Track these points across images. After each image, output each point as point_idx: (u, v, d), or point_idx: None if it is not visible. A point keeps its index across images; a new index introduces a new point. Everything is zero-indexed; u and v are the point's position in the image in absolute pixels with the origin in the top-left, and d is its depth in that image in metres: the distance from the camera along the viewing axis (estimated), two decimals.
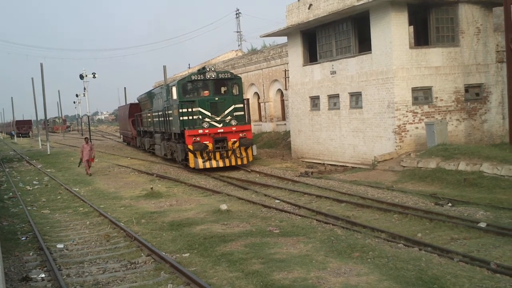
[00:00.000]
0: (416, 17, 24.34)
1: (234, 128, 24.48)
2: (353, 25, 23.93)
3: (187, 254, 10.62)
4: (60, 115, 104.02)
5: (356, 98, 24.13)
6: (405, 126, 21.64)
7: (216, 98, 24.71)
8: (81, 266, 10.37)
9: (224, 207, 14.96)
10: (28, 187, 23.20)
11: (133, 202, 17.89)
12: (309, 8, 26.60)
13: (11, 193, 21.30)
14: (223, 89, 25.68)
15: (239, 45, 74.11)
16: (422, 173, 18.46)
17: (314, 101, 27.31)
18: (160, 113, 29.71)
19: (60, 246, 12.00)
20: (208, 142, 24.02)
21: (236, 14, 76.51)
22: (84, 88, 52.96)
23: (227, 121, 24.56)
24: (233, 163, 24.62)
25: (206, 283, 8.41)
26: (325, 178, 20.50)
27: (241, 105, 25.42)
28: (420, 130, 21.69)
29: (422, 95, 22.13)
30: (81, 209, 17.07)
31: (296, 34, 28.10)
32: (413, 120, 21.78)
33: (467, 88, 22.87)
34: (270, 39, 58.03)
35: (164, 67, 46.21)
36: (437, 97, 22.16)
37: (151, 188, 19.68)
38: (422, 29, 24.30)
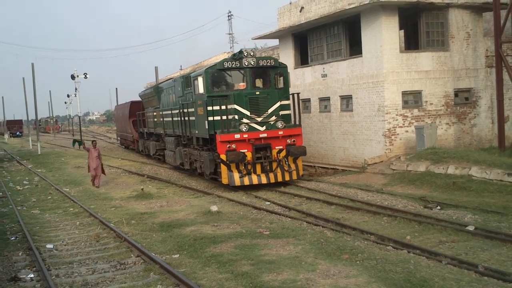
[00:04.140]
0: (407, 21, 24.51)
1: (280, 132, 18.87)
2: (344, 28, 24.04)
3: (177, 255, 10.64)
4: (52, 115, 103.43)
5: (346, 101, 24.24)
6: (395, 130, 21.77)
7: (257, 93, 19.05)
8: (70, 266, 10.35)
9: (214, 208, 14.98)
10: (18, 187, 23.09)
11: (124, 203, 17.86)
12: (300, 11, 26.70)
13: (1, 193, 21.19)
14: (264, 81, 20.03)
15: (231, 47, 74.09)
16: (411, 176, 18.57)
17: (305, 104, 27.38)
18: (174, 111, 24.18)
19: (49, 246, 11.97)
20: (246, 150, 18.54)
21: (228, 16, 76.52)
22: (76, 89, 52.66)
23: (272, 122, 18.99)
24: (279, 179, 18.93)
25: (195, 284, 8.43)
26: (316, 181, 20.55)
27: (288, 102, 20.10)
28: (410, 134, 21.82)
29: (412, 99, 22.27)
30: (71, 209, 17.03)
31: (288, 37, 28.18)
32: (403, 124, 21.91)
33: (457, 93, 23.05)
34: (261, 42, 58.23)
35: (156, 68, 46.24)
36: (427, 101, 22.31)
37: (142, 189, 19.67)
38: (413, 33, 24.46)
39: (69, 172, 28.28)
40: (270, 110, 19.00)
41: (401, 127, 21.88)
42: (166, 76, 61.51)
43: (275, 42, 34.48)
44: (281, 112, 19.34)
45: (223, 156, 18.34)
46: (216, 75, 19.48)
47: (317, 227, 12.64)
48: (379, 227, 12.61)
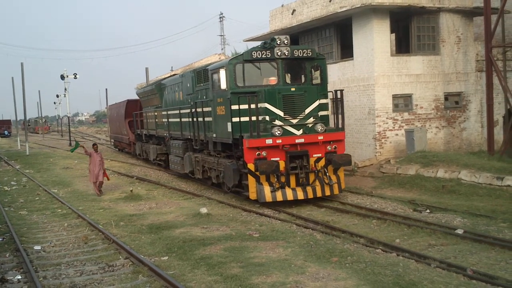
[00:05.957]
0: (398, 25, 24.61)
1: (320, 137, 15.62)
2: (336, 31, 24.10)
3: (165, 257, 10.57)
4: (41, 115, 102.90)
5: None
6: (385, 133, 21.84)
7: (292, 89, 15.67)
8: (58, 268, 10.26)
9: (204, 210, 14.91)
10: (6, 188, 22.88)
11: (112, 204, 17.74)
12: (292, 14, 26.73)
13: None
14: (299, 75, 16.91)
15: (222, 49, 73.99)
16: (401, 180, 18.63)
17: None
18: (183, 111, 20.75)
19: (37, 247, 11.86)
20: (279, 158, 15.30)
21: (220, 18, 76.51)
22: (65, 89, 52.35)
23: (310, 125, 15.71)
24: (319, 194, 15.73)
25: (184, 287, 8.38)
26: None
27: (326, 101, 16.79)
28: (400, 137, 21.89)
29: (402, 102, 22.36)
30: (59, 210, 16.89)
31: None
32: (393, 127, 21.99)
33: (447, 96, 23.18)
34: (253, 44, 58.03)
35: (147, 69, 46.13)
36: (417, 105, 22.41)
37: (131, 190, 19.53)
38: (404, 36, 24.57)
39: (58, 173, 28.07)
40: (307, 110, 15.64)
41: (391, 130, 21.96)
42: (157, 77, 61.34)
43: None
44: (320, 113, 16.09)
45: (251, 166, 15.20)
46: (242, 67, 16.11)
47: (307, 229, 12.64)
48: (368, 230, 12.61)
